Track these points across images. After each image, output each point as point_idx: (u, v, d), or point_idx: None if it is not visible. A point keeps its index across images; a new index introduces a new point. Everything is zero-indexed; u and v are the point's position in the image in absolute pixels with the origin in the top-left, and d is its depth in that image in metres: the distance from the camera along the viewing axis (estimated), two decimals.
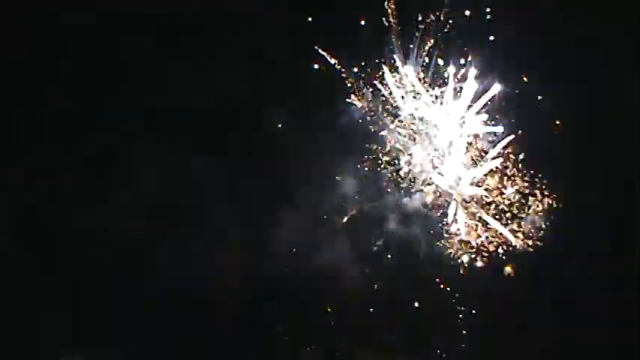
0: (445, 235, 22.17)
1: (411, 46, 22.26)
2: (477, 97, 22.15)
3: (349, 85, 22.38)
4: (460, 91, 22.21)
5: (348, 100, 22.30)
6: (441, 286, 21.60)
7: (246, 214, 20.75)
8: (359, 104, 22.39)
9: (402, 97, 22.52)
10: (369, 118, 22.42)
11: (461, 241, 22.21)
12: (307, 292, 20.11)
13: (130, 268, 19.73)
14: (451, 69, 22.02)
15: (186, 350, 19.40)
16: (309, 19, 21.59)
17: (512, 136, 22.24)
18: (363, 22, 21.88)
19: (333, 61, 22.06)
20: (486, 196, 22.59)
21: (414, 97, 22.58)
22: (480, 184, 22.60)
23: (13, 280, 19.20)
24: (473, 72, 21.96)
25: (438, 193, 22.45)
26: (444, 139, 22.44)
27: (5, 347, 18.69)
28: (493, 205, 22.53)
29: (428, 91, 22.42)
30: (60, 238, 19.76)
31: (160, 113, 21.30)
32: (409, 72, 22.36)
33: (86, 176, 20.59)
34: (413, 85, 22.52)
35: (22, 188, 20.47)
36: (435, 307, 21.00)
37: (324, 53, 21.92)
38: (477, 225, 22.41)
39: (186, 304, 19.41)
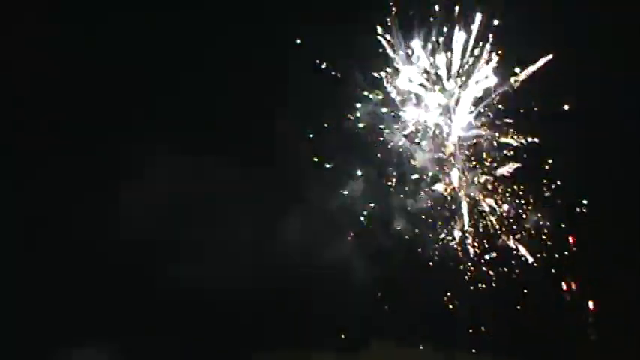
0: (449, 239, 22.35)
1: (415, 50, 22.68)
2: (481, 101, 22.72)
3: (355, 91, 22.67)
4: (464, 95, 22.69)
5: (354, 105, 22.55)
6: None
7: (259, 216, 20.71)
8: (365, 109, 22.68)
9: (404, 102, 22.85)
10: (374, 123, 22.70)
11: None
12: (321, 286, 20.00)
13: (143, 265, 19.58)
14: (454, 74, 22.59)
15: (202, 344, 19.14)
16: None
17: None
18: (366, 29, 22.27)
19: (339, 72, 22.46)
20: (491, 205, 22.81)
21: (417, 103, 22.92)
22: (486, 190, 22.87)
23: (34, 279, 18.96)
24: (477, 76, 22.56)
25: (442, 197, 22.74)
26: (448, 142, 22.79)
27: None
28: (498, 214, 22.73)
29: (432, 91, 22.81)
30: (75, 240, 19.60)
31: (172, 114, 21.40)
32: (413, 77, 22.73)
33: (97, 176, 20.44)
34: (416, 92, 22.91)
35: (31, 189, 20.24)
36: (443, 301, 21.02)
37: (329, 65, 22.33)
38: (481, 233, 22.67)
39: (200, 299, 19.21)
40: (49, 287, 19.37)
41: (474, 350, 19.28)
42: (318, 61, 22.08)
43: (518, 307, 21.25)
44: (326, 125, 22.36)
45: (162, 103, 21.67)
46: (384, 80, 22.62)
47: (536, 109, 22.00)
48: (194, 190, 20.42)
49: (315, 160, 22.22)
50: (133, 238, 19.45)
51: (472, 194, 22.83)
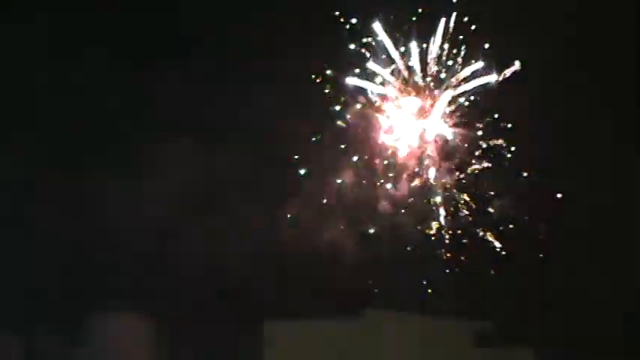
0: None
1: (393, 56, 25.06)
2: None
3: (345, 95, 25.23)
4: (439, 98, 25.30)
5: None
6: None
7: (261, 201, 23.35)
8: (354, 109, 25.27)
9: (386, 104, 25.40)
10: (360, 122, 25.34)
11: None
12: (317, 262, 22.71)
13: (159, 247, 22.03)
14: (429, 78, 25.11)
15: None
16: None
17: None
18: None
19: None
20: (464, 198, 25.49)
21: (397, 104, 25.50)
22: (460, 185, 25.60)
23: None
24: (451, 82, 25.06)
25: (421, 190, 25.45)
26: (424, 140, 25.51)
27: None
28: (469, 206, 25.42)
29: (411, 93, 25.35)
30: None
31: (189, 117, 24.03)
32: (391, 81, 25.23)
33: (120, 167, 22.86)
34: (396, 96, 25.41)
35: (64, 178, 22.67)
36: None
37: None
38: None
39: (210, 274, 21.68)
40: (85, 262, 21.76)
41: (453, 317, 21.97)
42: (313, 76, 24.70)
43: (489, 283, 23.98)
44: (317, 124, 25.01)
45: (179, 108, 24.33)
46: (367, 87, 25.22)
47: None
48: (210, 181, 22.88)
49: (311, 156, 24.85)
50: (159, 221, 21.91)
51: (447, 187, 25.51)
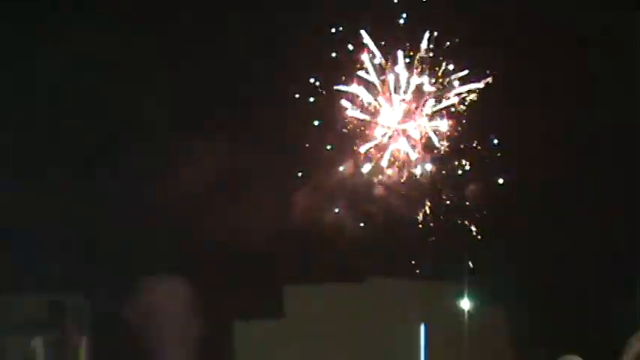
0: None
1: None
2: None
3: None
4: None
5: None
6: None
7: (275, 188, 27.28)
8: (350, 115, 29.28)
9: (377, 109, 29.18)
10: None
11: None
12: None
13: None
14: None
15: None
16: None
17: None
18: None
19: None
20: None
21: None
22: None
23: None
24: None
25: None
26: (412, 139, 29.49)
27: None
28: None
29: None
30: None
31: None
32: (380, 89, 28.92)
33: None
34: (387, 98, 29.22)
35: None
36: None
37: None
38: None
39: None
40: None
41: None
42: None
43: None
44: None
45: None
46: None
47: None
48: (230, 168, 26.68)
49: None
50: (196, 200, 25.59)
51: (432, 180, 29.46)
